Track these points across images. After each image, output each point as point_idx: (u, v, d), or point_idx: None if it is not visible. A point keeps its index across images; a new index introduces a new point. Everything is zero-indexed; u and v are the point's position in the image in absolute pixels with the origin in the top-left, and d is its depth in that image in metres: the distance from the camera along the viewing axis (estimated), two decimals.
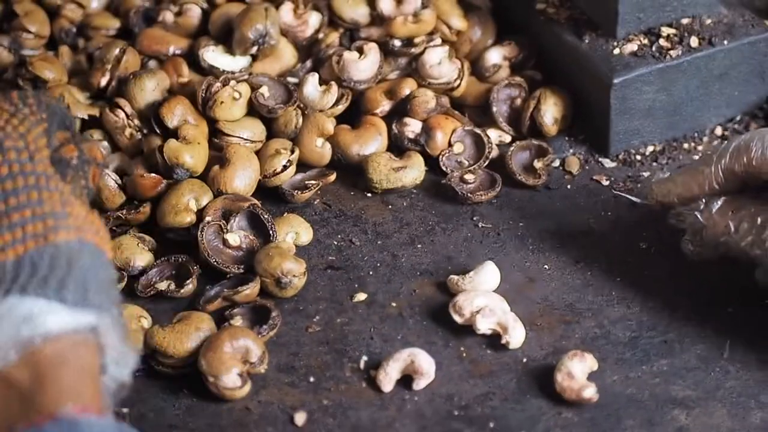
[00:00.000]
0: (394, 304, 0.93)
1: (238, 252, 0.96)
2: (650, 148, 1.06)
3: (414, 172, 1.03)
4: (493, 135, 1.06)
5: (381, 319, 0.92)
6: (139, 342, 0.88)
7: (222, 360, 0.86)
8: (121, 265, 0.95)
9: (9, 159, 0.73)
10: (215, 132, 1.03)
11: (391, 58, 1.09)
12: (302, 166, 1.04)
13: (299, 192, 1.01)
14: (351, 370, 0.88)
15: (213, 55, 1.07)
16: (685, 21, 1.05)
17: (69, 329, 0.68)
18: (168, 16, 1.11)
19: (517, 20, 1.13)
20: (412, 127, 1.06)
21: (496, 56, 1.10)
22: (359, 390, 0.87)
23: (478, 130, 1.05)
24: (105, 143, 1.03)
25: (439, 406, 0.85)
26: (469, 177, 1.02)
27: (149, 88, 1.04)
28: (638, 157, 1.05)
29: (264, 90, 1.05)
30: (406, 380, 0.87)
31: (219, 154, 1.02)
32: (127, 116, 1.03)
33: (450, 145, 1.05)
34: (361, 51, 1.07)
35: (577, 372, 0.85)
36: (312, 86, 1.06)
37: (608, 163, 1.05)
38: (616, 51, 1.04)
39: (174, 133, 1.01)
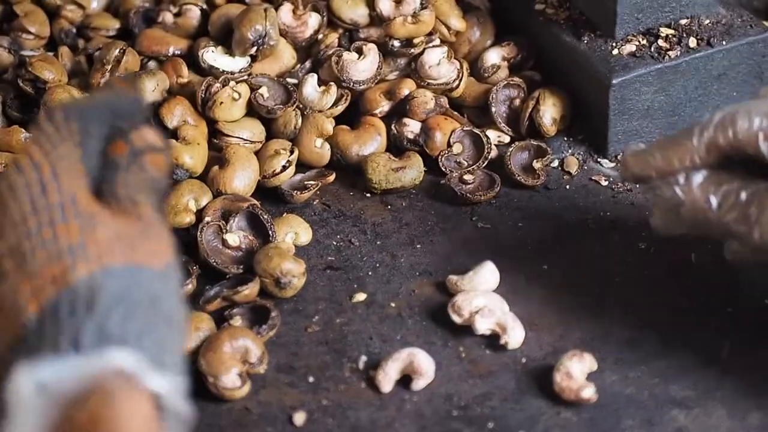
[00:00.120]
0: (393, 305, 0.93)
1: (237, 252, 0.96)
2: None
3: (413, 172, 1.03)
4: (492, 135, 1.06)
5: (380, 319, 0.92)
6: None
7: (221, 360, 0.86)
8: None
9: (20, 200, 0.68)
10: (215, 132, 1.04)
11: (390, 58, 1.09)
12: (301, 166, 1.04)
13: (298, 192, 1.01)
14: (350, 370, 0.88)
15: (212, 55, 1.07)
16: (683, 21, 1.05)
17: (81, 378, 0.61)
18: (168, 16, 1.11)
19: (516, 21, 1.13)
20: (411, 127, 1.06)
21: (495, 57, 1.10)
22: (358, 390, 0.87)
23: (477, 131, 1.06)
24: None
25: (439, 406, 0.85)
26: (468, 177, 1.02)
27: (149, 89, 1.04)
28: None
29: (263, 90, 1.05)
30: (405, 380, 0.87)
31: (218, 155, 1.02)
32: None
33: (449, 145, 1.05)
34: (360, 52, 1.07)
35: (576, 372, 0.85)
36: (311, 87, 1.06)
37: (607, 163, 1.05)
38: (615, 51, 1.04)
39: (173, 134, 1.01)
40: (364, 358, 0.89)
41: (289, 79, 1.07)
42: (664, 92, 1.04)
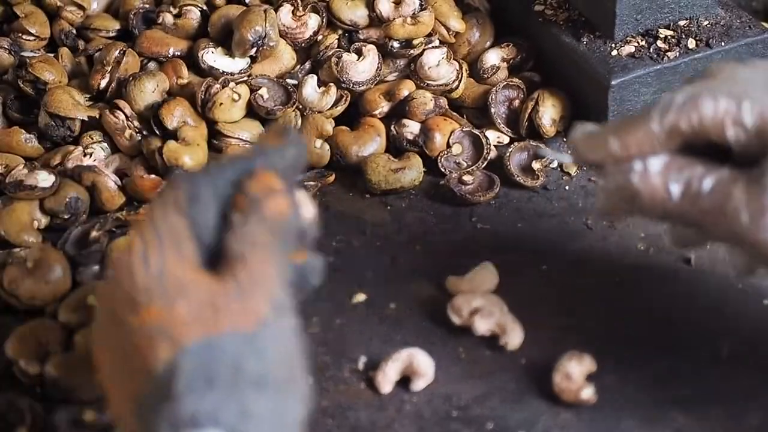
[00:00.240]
0: (392, 305, 0.93)
1: None
2: None
3: (413, 173, 1.03)
4: (492, 136, 1.07)
5: (380, 319, 0.92)
6: None
7: None
8: None
9: (122, 282, 0.68)
10: (214, 133, 1.04)
11: (390, 59, 1.09)
12: None
13: None
14: (350, 371, 0.88)
15: (212, 56, 1.07)
16: (682, 23, 1.06)
17: None
18: (167, 18, 1.11)
19: (516, 22, 1.13)
20: (411, 128, 1.06)
21: (494, 58, 1.10)
22: (358, 391, 0.87)
23: (476, 132, 1.06)
24: (105, 145, 1.04)
25: (438, 407, 0.85)
26: (467, 178, 1.02)
27: (149, 90, 1.05)
28: None
29: (263, 91, 1.05)
30: (404, 381, 0.87)
31: (218, 156, 1.02)
32: (127, 118, 1.03)
33: (448, 146, 1.05)
34: (359, 53, 1.07)
35: (576, 373, 0.85)
36: (311, 88, 1.06)
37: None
38: (614, 52, 1.04)
39: (173, 135, 1.01)
40: (363, 358, 0.89)
41: (288, 80, 1.08)
42: (663, 93, 1.04)
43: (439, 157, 1.05)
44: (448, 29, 1.10)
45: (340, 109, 1.06)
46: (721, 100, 0.75)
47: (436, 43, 1.09)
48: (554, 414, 0.84)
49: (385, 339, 0.91)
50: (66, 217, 0.99)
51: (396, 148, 1.06)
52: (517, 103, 1.08)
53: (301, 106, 1.05)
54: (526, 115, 1.06)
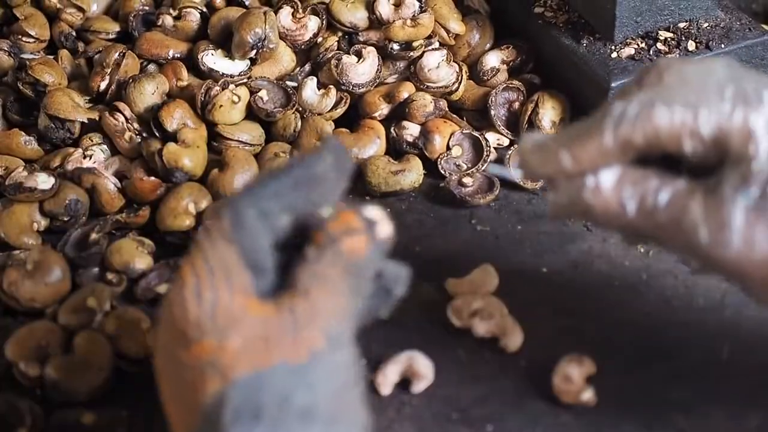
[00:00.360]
0: None
1: None
2: None
3: (412, 175, 1.03)
4: (492, 138, 1.07)
5: (380, 321, 0.92)
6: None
7: None
8: (120, 269, 0.95)
9: (175, 318, 0.68)
10: (214, 135, 1.04)
11: (390, 61, 1.09)
12: None
13: None
14: None
15: (212, 58, 1.07)
16: (682, 25, 1.06)
17: None
18: (167, 20, 1.11)
19: (516, 24, 1.13)
20: (411, 130, 1.06)
21: (494, 60, 1.10)
22: None
23: (476, 134, 1.06)
24: (105, 147, 1.04)
25: (438, 409, 0.85)
26: (467, 180, 1.02)
27: (148, 92, 1.05)
28: None
29: (263, 93, 1.05)
30: (404, 383, 0.87)
31: (218, 158, 1.02)
32: (127, 120, 1.03)
33: (448, 148, 1.05)
34: (359, 55, 1.08)
35: (575, 375, 0.85)
36: (311, 90, 1.06)
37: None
38: (614, 55, 1.04)
39: (173, 137, 1.01)
40: (363, 360, 0.89)
41: (288, 82, 1.08)
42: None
43: (439, 160, 1.05)
44: (448, 31, 1.10)
45: (339, 111, 1.06)
46: (677, 110, 0.72)
47: (436, 45, 1.09)
48: (554, 416, 0.84)
49: (385, 341, 0.90)
50: (66, 219, 0.99)
51: (396, 150, 1.06)
52: (517, 105, 1.08)
53: (300, 108, 1.05)
54: (526, 117, 1.06)
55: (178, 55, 1.10)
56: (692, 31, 1.05)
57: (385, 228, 0.73)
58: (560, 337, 0.90)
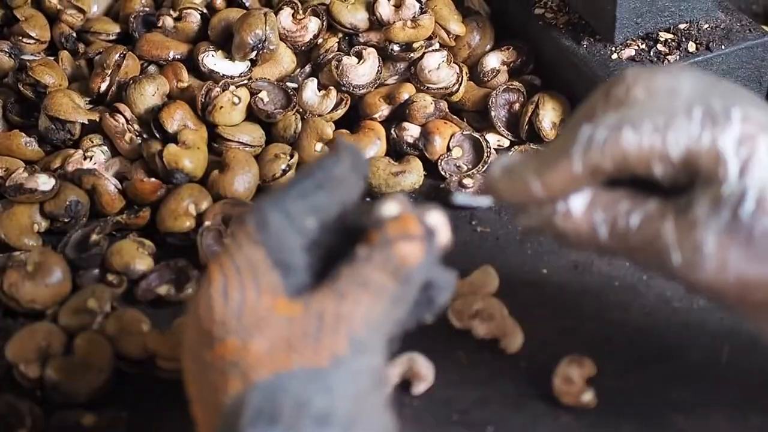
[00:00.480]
0: None
1: None
2: None
3: (413, 176, 1.03)
4: (492, 139, 1.07)
5: None
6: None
7: None
8: (120, 270, 0.95)
9: (201, 317, 0.68)
10: (215, 137, 1.04)
11: (390, 63, 1.09)
12: None
13: None
14: None
15: (212, 60, 1.08)
16: (682, 26, 1.06)
17: None
18: (168, 21, 1.11)
19: (516, 25, 1.13)
20: (411, 131, 1.06)
21: (494, 61, 1.10)
22: None
23: (476, 135, 1.06)
24: (105, 148, 1.04)
25: (438, 411, 0.85)
26: (467, 181, 1.02)
27: (149, 93, 1.05)
28: None
29: (263, 95, 1.05)
30: (404, 385, 0.87)
31: (218, 159, 1.02)
32: (127, 121, 1.03)
33: (449, 149, 1.05)
34: (360, 56, 1.08)
35: (576, 376, 0.85)
36: (311, 91, 1.06)
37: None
38: (614, 56, 1.04)
39: (173, 138, 1.02)
40: None
41: (288, 84, 1.08)
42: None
43: (440, 161, 1.05)
44: (448, 32, 1.10)
45: (340, 112, 1.06)
46: (645, 134, 0.71)
47: (437, 46, 1.09)
48: (554, 417, 0.84)
49: None
50: (66, 220, 0.99)
51: (396, 151, 1.06)
52: (517, 106, 1.08)
53: (301, 110, 1.05)
54: (527, 119, 1.06)
55: (179, 57, 1.10)
56: (692, 33, 1.05)
57: (443, 236, 0.71)
58: (560, 338, 0.90)
